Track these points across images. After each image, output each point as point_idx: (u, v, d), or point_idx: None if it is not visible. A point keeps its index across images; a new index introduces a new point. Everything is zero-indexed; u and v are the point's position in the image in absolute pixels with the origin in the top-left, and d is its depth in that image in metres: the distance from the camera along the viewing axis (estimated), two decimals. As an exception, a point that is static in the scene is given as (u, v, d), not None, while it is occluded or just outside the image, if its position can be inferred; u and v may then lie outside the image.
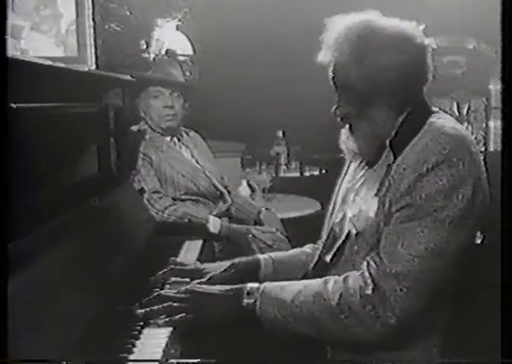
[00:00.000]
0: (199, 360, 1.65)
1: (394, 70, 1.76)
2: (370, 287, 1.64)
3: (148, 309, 1.67)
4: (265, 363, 1.84)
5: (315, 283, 1.77)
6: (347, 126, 1.88)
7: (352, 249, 1.84)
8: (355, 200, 1.92)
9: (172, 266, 2.04)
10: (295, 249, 2.25)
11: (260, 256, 2.13)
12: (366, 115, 1.81)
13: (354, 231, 1.83)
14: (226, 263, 2.06)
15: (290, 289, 1.74)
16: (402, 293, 1.62)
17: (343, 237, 1.88)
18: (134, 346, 1.53)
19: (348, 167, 2.06)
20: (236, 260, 2.08)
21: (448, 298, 1.76)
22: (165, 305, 1.68)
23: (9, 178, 1.34)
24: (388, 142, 1.80)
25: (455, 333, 1.78)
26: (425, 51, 1.82)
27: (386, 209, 1.74)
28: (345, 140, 1.90)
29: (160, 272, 2.00)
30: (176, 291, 1.77)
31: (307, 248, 2.20)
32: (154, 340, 1.57)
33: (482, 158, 1.75)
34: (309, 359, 1.91)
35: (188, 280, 1.99)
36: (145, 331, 1.62)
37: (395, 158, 1.75)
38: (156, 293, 1.75)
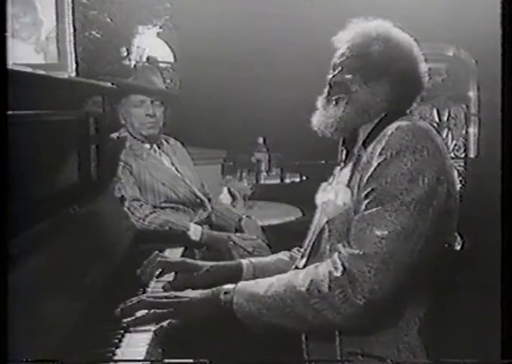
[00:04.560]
0: (192, 360, 1.68)
1: (404, 68, 1.92)
2: (340, 270, 1.67)
3: (133, 318, 1.69)
4: (248, 361, 1.86)
5: (287, 275, 1.83)
6: (321, 108, 1.97)
7: (324, 238, 1.89)
8: (326, 189, 2.02)
9: (159, 259, 2.09)
10: (272, 256, 2.26)
11: (243, 261, 2.15)
12: (369, 85, 1.92)
13: (325, 219, 1.88)
14: (212, 263, 2.11)
15: (263, 283, 1.79)
16: (371, 274, 1.64)
17: (318, 230, 1.93)
18: (114, 354, 1.53)
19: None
20: (221, 263, 2.11)
21: (425, 289, 1.79)
22: (149, 312, 1.71)
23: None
24: (361, 142, 1.90)
25: (435, 326, 1.80)
26: (424, 77, 1.97)
27: (355, 197, 1.80)
28: (324, 116, 1.96)
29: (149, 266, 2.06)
30: (156, 295, 1.80)
31: (283, 255, 2.23)
32: (134, 348, 1.58)
33: (446, 150, 1.81)
34: (287, 356, 1.94)
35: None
36: (126, 338, 1.63)
37: (365, 151, 1.85)
38: (137, 299, 1.76)
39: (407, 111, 1.95)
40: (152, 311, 1.72)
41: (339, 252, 1.73)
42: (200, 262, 2.13)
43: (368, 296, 1.64)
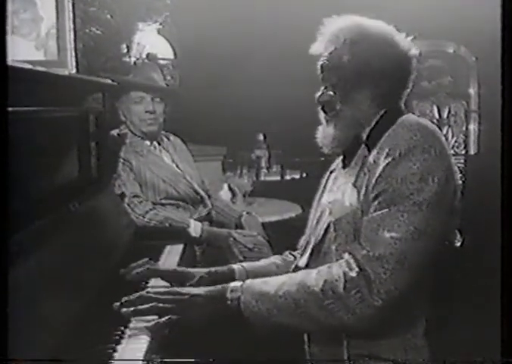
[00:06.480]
0: (193, 360, 1.67)
1: (381, 64, 1.85)
2: (355, 270, 1.66)
3: (133, 308, 1.67)
4: (252, 361, 1.85)
5: (298, 274, 1.80)
6: (324, 122, 1.94)
7: (330, 238, 1.86)
8: (332, 189, 1.98)
9: (148, 266, 2.03)
10: (265, 260, 2.23)
11: (235, 266, 2.12)
12: (350, 99, 1.88)
13: (331, 219, 1.86)
14: (203, 270, 2.06)
15: (273, 282, 1.76)
16: (386, 275, 1.63)
17: (323, 230, 1.90)
18: (115, 350, 1.53)
19: (328, 179, 2.08)
20: (213, 269, 2.08)
21: (432, 288, 1.77)
22: (151, 305, 1.67)
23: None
24: (363, 138, 1.88)
25: (438, 327, 1.80)
26: (409, 60, 1.90)
27: (363, 198, 1.77)
28: (323, 134, 1.95)
29: (136, 269, 2.00)
30: (157, 291, 1.76)
31: (275, 259, 2.21)
32: (135, 345, 1.58)
33: (451, 152, 1.79)
34: (292, 356, 1.94)
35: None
36: (126, 336, 1.62)
37: (370, 152, 1.82)
38: (138, 294, 1.73)
39: (402, 105, 1.92)
40: (154, 303, 1.68)
41: (350, 253, 1.71)
42: (191, 270, 2.07)
43: (385, 297, 1.63)
